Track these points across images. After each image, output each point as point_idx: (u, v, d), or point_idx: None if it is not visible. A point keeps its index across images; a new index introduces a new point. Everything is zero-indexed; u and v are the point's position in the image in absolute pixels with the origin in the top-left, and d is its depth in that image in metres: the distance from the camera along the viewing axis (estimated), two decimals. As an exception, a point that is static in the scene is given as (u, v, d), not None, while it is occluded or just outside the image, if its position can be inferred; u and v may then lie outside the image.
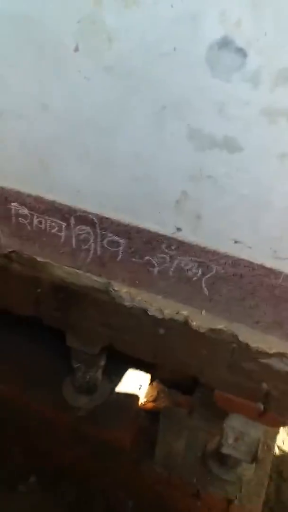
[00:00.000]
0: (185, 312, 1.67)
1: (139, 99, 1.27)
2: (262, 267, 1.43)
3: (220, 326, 1.63)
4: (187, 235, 1.50)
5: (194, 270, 1.57)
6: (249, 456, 1.89)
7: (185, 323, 1.67)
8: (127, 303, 1.74)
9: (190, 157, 1.31)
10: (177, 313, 1.68)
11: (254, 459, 1.90)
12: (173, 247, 1.54)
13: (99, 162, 1.44)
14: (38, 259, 1.80)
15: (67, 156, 1.47)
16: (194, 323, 1.65)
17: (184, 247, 1.52)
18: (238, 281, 1.51)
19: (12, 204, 1.66)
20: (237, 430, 1.85)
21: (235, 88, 1.16)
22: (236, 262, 1.47)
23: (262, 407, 1.72)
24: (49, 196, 1.59)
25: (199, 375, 1.78)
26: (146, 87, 1.24)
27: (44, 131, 1.44)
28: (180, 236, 1.51)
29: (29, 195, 1.61)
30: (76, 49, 1.24)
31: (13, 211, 1.68)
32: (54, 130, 1.42)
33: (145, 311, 1.71)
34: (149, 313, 1.71)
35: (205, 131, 1.26)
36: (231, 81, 1.15)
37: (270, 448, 2.34)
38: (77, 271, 1.77)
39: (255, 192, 1.30)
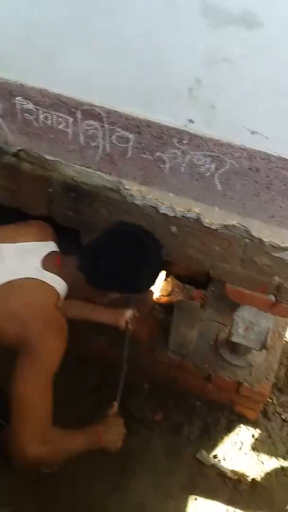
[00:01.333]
0: (197, 209, 1.59)
1: None
2: (279, 158, 1.32)
3: (233, 222, 1.56)
4: (200, 128, 1.37)
5: (207, 165, 1.46)
6: (259, 344, 1.92)
7: (197, 220, 1.60)
8: (138, 202, 1.66)
9: (204, 37, 1.15)
10: (189, 210, 1.60)
11: (263, 347, 1.93)
12: (185, 141, 1.42)
13: (105, 47, 1.28)
14: (47, 157, 1.71)
15: (72, 42, 1.31)
16: (207, 220, 1.59)
17: (196, 141, 1.40)
18: (253, 175, 1.40)
19: (17, 98, 1.53)
20: (247, 320, 1.86)
21: None
22: (252, 154, 1.35)
23: (273, 298, 1.70)
24: (54, 89, 1.45)
25: (211, 270, 1.75)
26: None
27: (49, 13, 1.26)
28: (192, 128, 1.38)
29: (33, 88, 1.48)
30: None
31: (18, 106, 1.56)
32: (58, 12, 1.24)
33: (156, 209, 1.64)
34: (161, 211, 1.64)
35: (220, 5, 1.08)
36: None
37: (281, 336, 2.38)
38: (87, 169, 1.68)
39: (275, 75, 1.15)
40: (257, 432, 2.45)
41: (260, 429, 2.46)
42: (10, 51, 1.40)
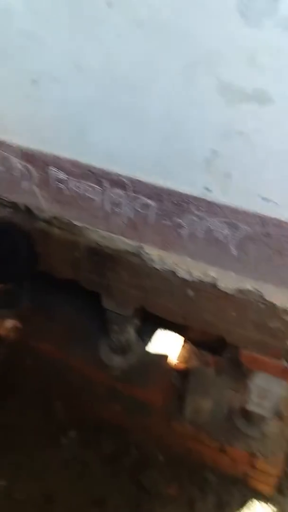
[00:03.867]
0: (213, 273, 1.56)
1: (169, 55, 1.15)
2: (290, 224, 1.30)
3: (247, 287, 1.51)
4: (216, 196, 1.38)
5: (222, 231, 1.45)
6: (273, 412, 1.78)
7: (213, 284, 1.56)
8: (157, 266, 1.64)
9: (220, 113, 1.19)
10: (206, 274, 1.57)
11: (277, 415, 1.78)
12: (202, 208, 1.43)
13: (131, 123, 1.34)
14: (76, 223, 1.73)
15: (100, 118, 1.37)
16: (222, 284, 1.54)
17: (213, 208, 1.41)
18: (266, 240, 1.38)
19: (51, 168, 1.59)
20: (262, 387, 1.74)
21: (266, 35, 1.02)
22: (265, 221, 1.34)
23: (286, 363, 1.60)
24: (84, 160, 1.51)
25: (226, 335, 1.67)
26: (176, 41, 1.13)
27: (79, 93, 1.34)
28: (209, 196, 1.39)
29: (66, 159, 1.54)
30: (110, 5, 1.13)
31: (51, 176, 1.61)
32: (88, 92, 1.32)
33: (174, 273, 1.62)
34: (179, 275, 1.61)
35: (236, 84, 1.13)
36: (263, 27, 1.02)
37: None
38: (111, 234, 1.69)
39: (285, 146, 1.17)
40: (272, 509, 2.19)
41: (275, 506, 2.20)
42: (46, 126, 1.48)
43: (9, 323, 2.48)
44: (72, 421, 2.55)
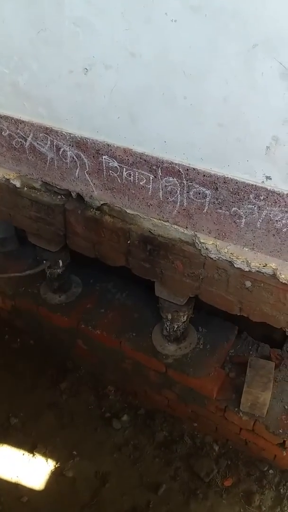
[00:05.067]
0: (273, 265, 1.55)
1: (228, 39, 1.14)
2: None
3: (310, 279, 1.49)
4: (278, 184, 1.36)
5: (284, 221, 1.43)
6: None
7: (273, 275, 1.55)
8: (213, 255, 1.65)
9: (283, 98, 1.16)
10: (265, 265, 1.56)
11: None
12: (261, 197, 1.41)
13: (186, 110, 1.34)
14: (128, 211, 1.77)
15: (154, 106, 1.38)
16: (283, 275, 1.53)
17: (273, 197, 1.39)
18: None
19: (103, 157, 1.63)
20: None
21: None
22: None
23: None
24: (137, 148, 1.53)
25: (287, 327, 1.66)
26: (236, 25, 1.11)
27: (132, 81, 1.36)
28: (269, 185, 1.38)
29: (118, 148, 1.56)
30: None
31: (104, 164, 1.65)
32: (142, 79, 1.34)
33: (231, 263, 1.62)
34: (236, 266, 1.62)
35: (299, 67, 1.10)
36: None
37: None
38: (165, 223, 1.72)
39: None
40: None
41: None
42: (98, 114, 1.51)
43: (61, 308, 2.60)
44: (124, 406, 2.66)
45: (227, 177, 1.42)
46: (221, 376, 2.21)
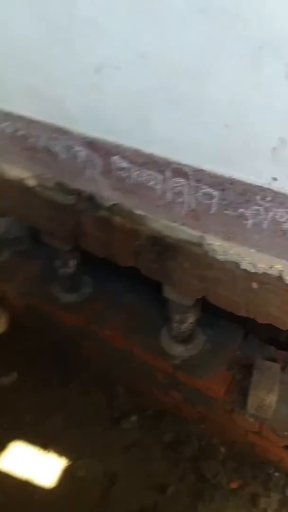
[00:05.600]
0: (279, 266, 1.56)
1: (233, 40, 1.16)
2: None
3: (316, 281, 1.49)
4: (284, 185, 1.37)
5: (290, 223, 1.45)
6: None
7: (279, 277, 1.56)
8: (220, 257, 1.67)
9: (288, 99, 1.18)
10: (271, 267, 1.57)
11: None
12: (268, 198, 1.43)
13: (193, 111, 1.36)
14: (137, 212, 1.80)
15: (162, 106, 1.41)
16: (289, 277, 1.54)
17: (280, 198, 1.40)
18: None
19: (114, 157, 1.65)
20: None
21: None
22: None
23: None
24: (147, 149, 1.56)
25: (293, 330, 1.67)
26: (241, 25, 1.13)
27: (141, 82, 1.39)
28: (276, 186, 1.39)
29: (128, 148, 1.59)
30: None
31: (114, 165, 1.68)
32: (150, 80, 1.36)
33: (237, 264, 1.63)
34: (242, 267, 1.62)
35: (304, 69, 1.11)
36: None
37: None
38: (173, 224, 1.74)
39: None
40: None
41: None
42: (108, 115, 1.54)
43: (72, 307, 2.63)
44: (133, 406, 2.68)
45: (234, 178, 1.44)
46: (227, 377, 2.22)
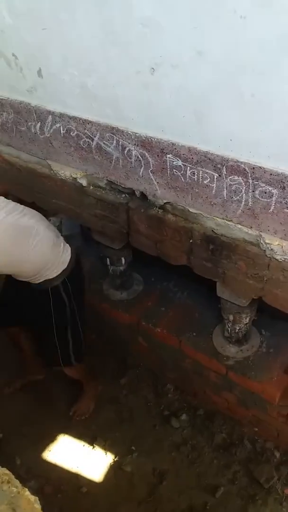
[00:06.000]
0: None
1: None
2: None
3: None
4: None
5: None
6: None
7: None
8: (278, 257, 1.62)
9: None
10: None
11: None
12: None
13: (253, 107, 1.32)
14: (191, 210, 1.77)
15: (222, 105, 1.37)
16: None
17: None
18: None
19: (168, 156, 1.64)
20: None
21: None
22: None
23: None
24: (202, 147, 1.53)
25: None
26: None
27: (199, 79, 1.36)
28: None
29: (183, 146, 1.57)
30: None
31: (168, 163, 1.66)
32: (209, 78, 1.33)
33: (298, 265, 1.58)
34: (302, 267, 1.57)
35: None
36: None
37: None
38: (228, 222, 1.70)
39: None
40: None
41: None
42: (163, 113, 1.52)
43: (123, 305, 2.65)
44: (183, 405, 2.67)
45: (295, 176, 1.38)
46: (284, 381, 2.16)
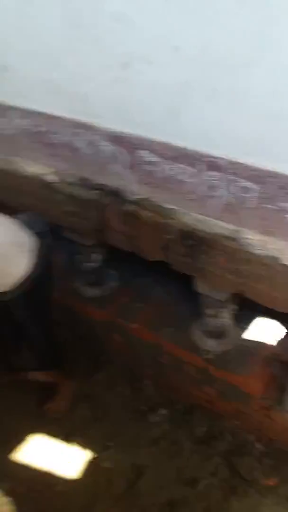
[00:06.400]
0: None
1: (278, 29, 1.08)
2: None
3: None
4: None
5: None
6: None
7: None
8: (258, 251, 1.61)
9: None
10: (315, 263, 1.50)
11: None
12: (313, 193, 1.35)
13: (230, 102, 1.30)
14: (167, 206, 1.75)
15: (196, 99, 1.35)
16: None
17: None
18: None
19: (141, 152, 1.60)
20: None
21: None
22: None
23: None
24: (178, 142, 1.50)
25: None
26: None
27: (174, 75, 1.33)
28: None
29: (157, 142, 1.54)
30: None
31: (143, 158, 1.62)
32: (185, 73, 1.31)
33: (277, 259, 1.58)
34: (282, 262, 1.56)
35: None
36: None
37: None
38: (206, 218, 1.68)
39: None
40: None
41: None
42: (136, 109, 1.49)
43: (97, 301, 2.61)
44: (161, 401, 2.65)
45: (275, 172, 1.37)
46: (265, 374, 2.18)
